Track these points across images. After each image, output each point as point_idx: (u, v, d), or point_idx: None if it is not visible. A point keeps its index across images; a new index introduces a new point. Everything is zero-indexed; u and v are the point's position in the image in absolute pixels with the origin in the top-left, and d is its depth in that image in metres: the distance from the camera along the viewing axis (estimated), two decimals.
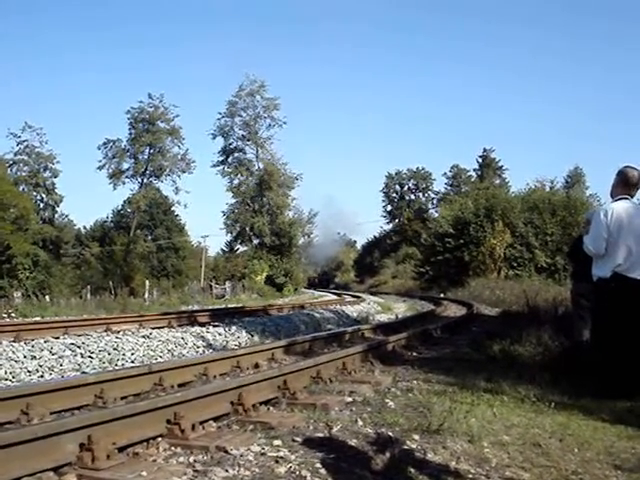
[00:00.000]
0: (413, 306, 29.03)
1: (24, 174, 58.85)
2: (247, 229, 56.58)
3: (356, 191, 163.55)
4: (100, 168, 58.04)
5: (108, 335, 11.43)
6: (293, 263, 56.31)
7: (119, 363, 9.50)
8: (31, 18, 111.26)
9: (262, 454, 3.71)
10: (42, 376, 8.34)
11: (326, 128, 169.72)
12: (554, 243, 38.51)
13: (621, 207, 6.10)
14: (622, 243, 5.98)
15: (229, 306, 25.60)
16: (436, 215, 63.73)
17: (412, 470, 3.48)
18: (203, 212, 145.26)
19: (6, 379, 8.01)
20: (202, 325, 14.00)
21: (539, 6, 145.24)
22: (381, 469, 3.50)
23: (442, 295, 35.20)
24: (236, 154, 57.80)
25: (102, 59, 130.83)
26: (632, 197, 6.27)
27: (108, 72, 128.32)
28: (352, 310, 22.71)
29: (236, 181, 57.08)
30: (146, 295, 32.70)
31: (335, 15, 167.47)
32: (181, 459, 3.66)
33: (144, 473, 3.29)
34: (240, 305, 26.08)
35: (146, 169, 59.00)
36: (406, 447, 3.91)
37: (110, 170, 58.09)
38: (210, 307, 24.54)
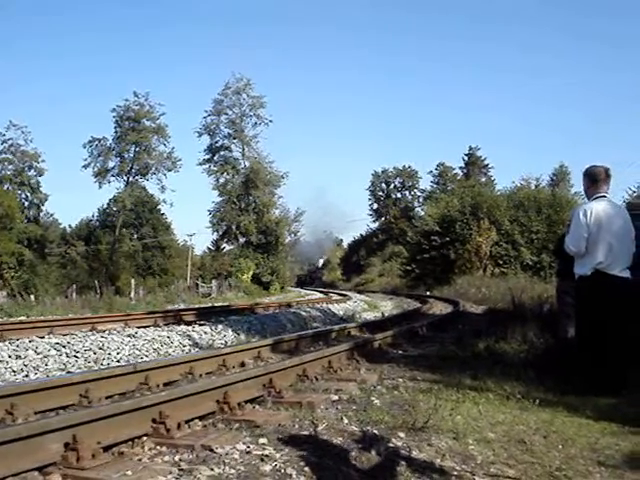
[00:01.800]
0: (399, 304, 29.05)
1: (9, 173, 58.65)
2: (233, 227, 56.42)
3: (344, 190, 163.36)
4: (85, 167, 57.92)
5: (93, 334, 11.38)
6: (279, 261, 56.23)
7: (104, 362, 9.46)
8: (18, 21, 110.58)
9: (247, 452, 3.70)
10: (27, 376, 8.30)
11: (314, 127, 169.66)
12: (540, 241, 38.64)
13: (600, 206, 6.18)
14: (602, 241, 6.04)
15: (215, 305, 25.52)
16: (422, 213, 63.74)
17: (397, 468, 3.49)
18: (189, 211, 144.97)
19: None
20: (188, 324, 13.97)
21: (525, 4, 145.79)
22: (366, 467, 3.51)
23: (428, 293, 35.23)
24: (222, 152, 57.61)
25: (89, 59, 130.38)
26: (607, 193, 6.34)
27: (94, 72, 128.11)
28: (338, 308, 22.72)
29: (222, 179, 56.89)
30: (132, 294, 32.54)
31: (322, 17, 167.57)
32: (166, 458, 3.65)
33: (129, 472, 3.28)
34: (226, 304, 26.00)
35: (132, 167, 58.82)
36: (391, 445, 3.93)
37: (95, 169, 57.93)
38: (196, 306, 24.45)
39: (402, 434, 4.18)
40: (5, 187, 56.16)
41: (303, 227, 62.29)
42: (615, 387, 5.73)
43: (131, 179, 59.61)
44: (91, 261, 60.02)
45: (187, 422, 4.34)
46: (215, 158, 57.24)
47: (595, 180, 6.33)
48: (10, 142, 58.87)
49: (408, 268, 51.22)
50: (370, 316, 20.13)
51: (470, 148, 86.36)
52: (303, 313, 18.74)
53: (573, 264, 6.45)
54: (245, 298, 38.24)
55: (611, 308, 5.92)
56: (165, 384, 6.34)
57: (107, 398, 5.55)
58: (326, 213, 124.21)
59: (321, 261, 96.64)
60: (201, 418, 4.62)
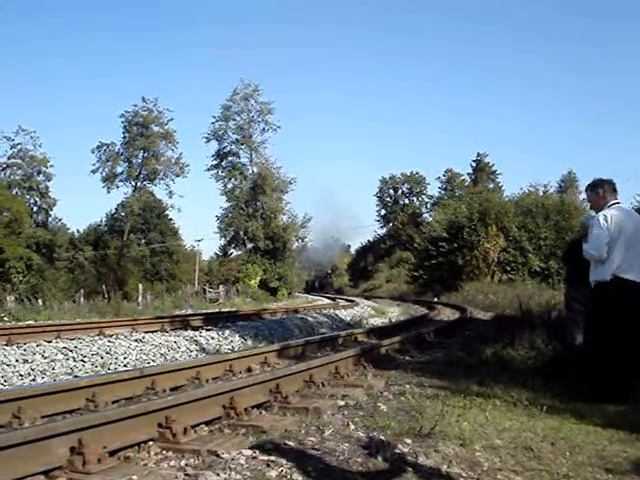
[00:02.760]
0: (407, 310, 29.00)
1: (18, 178, 58.80)
2: (241, 233, 56.46)
3: (352, 196, 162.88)
4: (94, 172, 58.11)
5: (101, 339, 11.40)
6: (287, 267, 56.24)
7: (111, 367, 9.48)
8: (25, 22, 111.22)
9: (253, 458, 3.70)
10: (34, 380, 8.33)
11: (321, 132, 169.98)
12: (548, 247, 38.51)
13: (619, 212, 6.23)
14: (620, 246, 6.07)
15: (223, 310, 25.55)
16: (430, 219, 63.70)
17: (404, 474, 3.48)
18: (197, 216, 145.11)
19: None
20: (195, 329, 13.99)
21: (534, 10, 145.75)
22: (373, 473, 3.49)
23: (436, 299, 35.14)
24: (230, 158, 57.73)
25: (97, 64, 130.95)
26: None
27: (103, 76, 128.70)
28: (346, 314, 22.70)
29: (230, 185, 57.03)
30: (139, 299, 32.59)
31: (330, 18, 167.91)
32: (172, 463, 3.66)
33: (135, 477, 3.28)
34: (234, 309, 26.05)
35: (140, 173, 58.96)
36: (398, 451, 3.91)
37: (104, 174, 58.10)
38: (203, 311, 24.46)
39: (409, 440, 4.17)
40: (14, 192, 56.31)
41: (312, 232, 62.21)
42: (623, 394, 5.71)
43: (139, 184, 59.76)
44: (99, 266, 60.04)
45: (193, 427, 4.33)
46: (223, 164, 57.41)
47: (607, 190, 6.41)
48: (19, 147, 59.10)
49: (416, 274, 51.15)
50: (377, 322, 20.11)
51: (478, 154, 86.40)
52: (310, 319, 18.74)
53: (581, 271, 6.45)
54: (252, 304, 38.23)
55: (629, 314, 5.91)
56: (172, 389, 6.35)
57: (114, 402, 5.56)
58: (336, 215, 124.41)
59: (330, 267, 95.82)
60: (207, 423, 4.61)
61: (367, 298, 48.03)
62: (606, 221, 6.15)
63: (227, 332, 13.53)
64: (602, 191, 6.46)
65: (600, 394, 5.78)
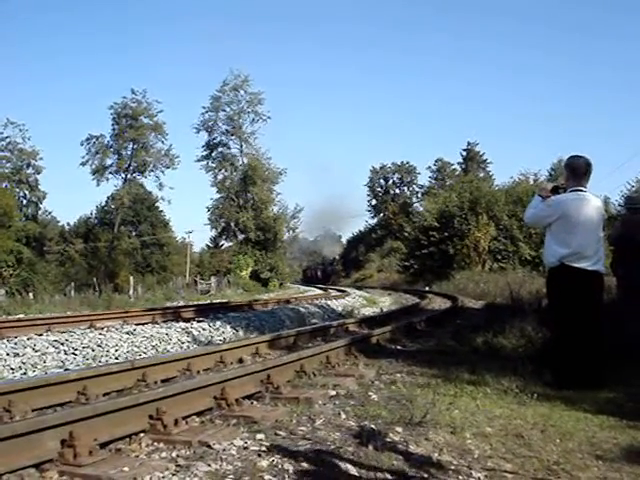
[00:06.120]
0: (398, 299, 29.05)
1: (7, 171, 58.56)
2: (232, 224, 56.33)
3: (343, 186, 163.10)
4: (83, 164, 57.74)
5: (92, 332, 11.38)
6: (278, 258, 56.19)
7: (103, 359, 9.46)
8: (17, 18, 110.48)
9: (245, 448, 3.71)
10: (25, 373, 8.30)
11: (312, 123, 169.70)
12: (538, 235, 38.51)
13: (575, 199, 6.18)
14: (570, 234, 6.10)
15: (214, 301, 25.53)
16: (421, 209, 63.69)
17: (395, 462, 3.49)
18: (187, 208, 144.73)
19: None
20: (187, 321, 13.97)
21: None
22: (364, 462, 3.50)
23: (427, 288, 35.25)
24: (220, 149, 57.51)
25: (86, 57, 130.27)
26: (585, 187, 6.30)
27: (92, 69, 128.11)
28: (337, 304, 22.72)
29: (220, 176, 56.85)
30: (131, 291, 32.52)
31: (319, 12, 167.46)
32: (164, 454, 3.66)
33: (126, 469, 3.28)
34: (225, 300, 26.02)
35: (130, 165, 58.72)
36: (389, 439, 3.92)
37: (93, 166, 57.75)
38: (195, 303, 24.43)
39: (399, 429, 4.18)
40: (3, 185, 56.14)
41: (304, 221, 62.13)
42: (587, 382, 5.75)
43: (129, 176, 59.51)
44: (90, 259, 59.91)
45: (184, 418, 4.33)
46: (213, 155, 57.18)
47: (574, 172, 6.30)
48: (8, 140, 58.82)
49: (407, 264, 51.28)
50: (369, 312, 20.11)
51: (468, 143, 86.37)
52: (302, 309, 18.75)
53: None
54: (244, 295, 38.17)
55: (576, 300, 5.97)
56: (163, 381, 6.35)
57: (105, 395, 5.55)
58: (329, 202, 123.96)
59: (337, 253, 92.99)
60: (199, 414, 4.62)
61: (358, 288, 47.99)
62: (559, 203, 6.21)
63: (218, 323, 13.52)
64: (569, 172, 6.39)
65: (560, 380, 5.85)
